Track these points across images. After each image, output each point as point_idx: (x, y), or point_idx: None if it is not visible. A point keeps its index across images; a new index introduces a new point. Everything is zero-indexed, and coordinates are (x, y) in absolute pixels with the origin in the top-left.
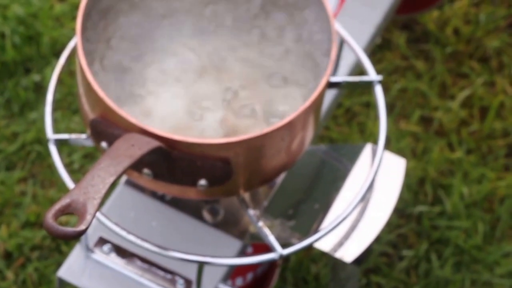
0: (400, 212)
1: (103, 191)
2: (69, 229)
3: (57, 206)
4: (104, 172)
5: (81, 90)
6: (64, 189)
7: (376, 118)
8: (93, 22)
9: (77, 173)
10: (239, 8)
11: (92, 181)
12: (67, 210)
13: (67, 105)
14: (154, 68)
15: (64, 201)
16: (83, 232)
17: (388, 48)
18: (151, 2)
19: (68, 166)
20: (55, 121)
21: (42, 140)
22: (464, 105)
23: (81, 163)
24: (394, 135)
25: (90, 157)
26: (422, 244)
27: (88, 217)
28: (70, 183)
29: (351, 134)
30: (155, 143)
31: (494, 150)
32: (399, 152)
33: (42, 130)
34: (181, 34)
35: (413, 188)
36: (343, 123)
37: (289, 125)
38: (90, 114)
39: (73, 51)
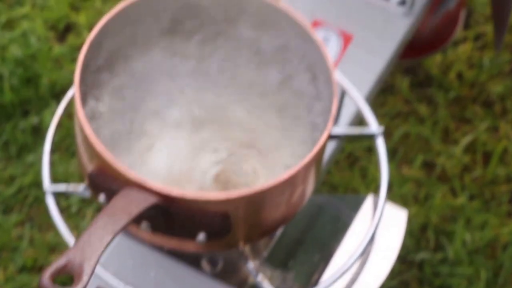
0: (402, 258)
1: (100, 251)
2: None
3: (54, 266)
4: (101, 231)
5: (79, 141)
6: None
7: (378, 163)
8: (92, 73)
9: (75, 218)
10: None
11: (89, 240)
12: (63, 271)
13: (65, 147)
14: (153, 118)
15: (60, 262)
16: None
17: (390, 92)
18: (153, 52)
19: (65, 210)
20: (53, 164)
21: (39, 184)
22: (467, 151)
23: (79, 206)
24: (396, 181)
25: (88, 201)
26: None
27: (85, 277)
28: (68, 237)
29: (353, 179)
30: (153, 199)
31: (497, 196)
32: (401, 197)
33: (39, 173)
34: (183, 83)
35: (415, 235)
36: (345, 167)
37: (290, 180)
38: (88, 166)
39: (72, 100)
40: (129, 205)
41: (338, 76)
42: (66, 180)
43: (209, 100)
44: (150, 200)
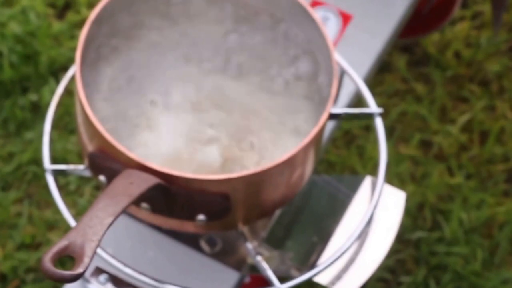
0: (399, 237)
1: (101, 233)
2: (66, 272)
3: (55, 249)
4: (102, 213)
5: (80, 121)
6: (60, 211)
7: (375, 141)
8: (93, 53)
9: (73, 195)
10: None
11: (90, 222)
12: (64, 253)
13: (63, 125)
14: (153, 100)
15: (61, 244)
16: (80, 275)
17: (388, 70)
18: (154, 33)
19: (63, 188)
20: (51, 141)
21: (38, 161)
22: (464, 130)
23: (77, 183)
24: (393, 159)
25: (87, 178)
26: (421, 270)
27: (86, 259)
28: (68, 217)
29: (350, 157)
30: (154, 180)
31: (494, 175)
32: (398, 176)
33: (38, 150)
34: (183, 66)
35: (412, 213)
36: (341, 146)
37: (290, 161)
38: (89, 146)
39: (72, 79)
40: (130, 186)
41: (338, 57)
42: (64, 157)
43: (209, 83)
44: (151, 181)
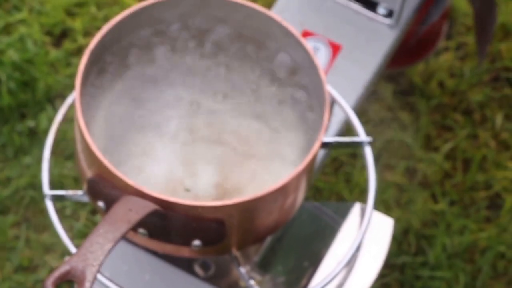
0: (384, 261)
1: (102, 258)
2: None
3: (56, 273)
4: (102, 239)
5: (79, 148)
6: (57, 235)
7: (363, 168)
8: (91, 80)
9: (69, 219)
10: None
11: (91, 248)
12: (66, 277)
13: (60, 150)
14: (150, 126)
15: (63, 268)
16: None
17: (374, 99)
18: (150, 61)
19: (60, 212)
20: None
21: (35, 185)
22: (448, 157)
23: (73, 208)
24: (379, 186)
25: (82, 203)
26: None
27: (87, 284)
28: (68, 242)
29: (338, 183)
30: (152, 207)
31: (476, 202)
32: (384, 202)
33: (36, 175)
34: (180, 92)
35: (397, 238)
36: (330, 172)
37: (283, 188)
38: (87, 172)
39: (70, 106)
40: (129, 212)
41: (328, 86)
42: (60, 182)
43: (205, 109)
44: (149, 207)
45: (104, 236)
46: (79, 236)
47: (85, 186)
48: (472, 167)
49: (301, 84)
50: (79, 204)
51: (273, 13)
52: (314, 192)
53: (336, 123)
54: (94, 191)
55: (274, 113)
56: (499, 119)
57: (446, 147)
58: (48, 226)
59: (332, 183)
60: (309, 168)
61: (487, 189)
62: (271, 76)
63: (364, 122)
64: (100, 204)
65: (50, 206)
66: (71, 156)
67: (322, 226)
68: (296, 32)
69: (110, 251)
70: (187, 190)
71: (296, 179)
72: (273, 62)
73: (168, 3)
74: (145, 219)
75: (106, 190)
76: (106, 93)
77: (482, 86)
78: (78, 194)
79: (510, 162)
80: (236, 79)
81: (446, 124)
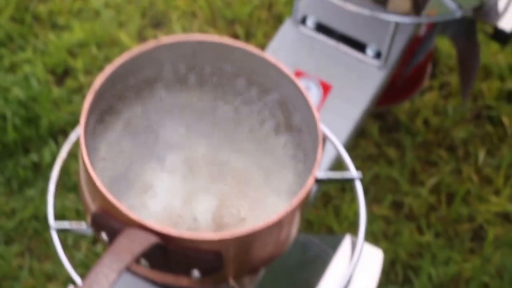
0: None
1: None
2: None
3: None
4: (107, 269)
5: (83, 182)
6: (59, 264)
7: (351, 201)
8: (94, 117)
9: (70, 249)
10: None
11: (96, 278)
12: None
13: (62, 183)
14: (150, 162)
15: None
16: None
17: (362, 136)
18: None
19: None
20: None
21: (39, 217)
22: (433, 191)
23: (74, 238)
24: (367, 218)
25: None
26: None
27: None
28: (73, 272)
29: (327, 216)
30: (154, 239)
31: (460, 234)
32: (372, 234)
33: (39, 207)
34: (179, 130)
35: (384, 269)
36: (319, 206)
37: (279, 222)
38: (91, 205)
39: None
40: (132, 244)
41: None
42: (63, 214)
43: (203, 146)
44: (151, 239)
45: (109, 267)
46: (80, 266)
47: (89, 219)
48: (456, 200)
49: (294, 122)
50: (80, 235)
51: (267, 54)
52: (305, 225)
53: (327, 159)
54: (98, 224)
55: (269, 150)
56: (481, 155)
57: (431, 181)
58: (50, 255)
59: (322, 216)
60: (303, 203)
61: (471, 222)
62: (265, 115)
63: (352, 158)
64: (104, 236)
65: (55, 237)
66: (73, 188)
67: (313, 258)
68: (290, 72)
69: (115, 281)
70: (186, 222)
71: (291, 213)
72: (268, 101)
73: (169, 46)
74: (147, 251)
75: (109, 223)
76: (108, 129)
77: (465, 123)
78: (82, 226)
79: (493, 196)
80: (232, 118)
81: (431, 160)
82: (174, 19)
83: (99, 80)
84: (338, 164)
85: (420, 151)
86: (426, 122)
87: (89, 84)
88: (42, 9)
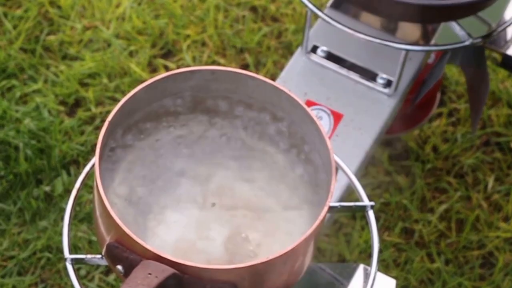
0: None
1: None
2: None
3: None
4: None
5: (98, 214)
6: None
7: (362, 229)
8: (110, 148)
9: (83, 280)
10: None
11: None
12: None
13: (74, 214)
14: (162, 193)
15: None
16: None
17: (372, 163)
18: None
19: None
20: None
21: (51, 248)
22: (443, 218)
23: (87, 269)
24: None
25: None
26: None
27: None
28: None
29: (339, 244)
30: (170, 271)
31: (470, 260)
32: (383, 262)
33: (52, 237)
34: (192, 160)
35: None
36: (331, 233)
37: (293, 251)
38: (106, 237)
39: (88, 173)
40: (148, 276)
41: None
42: (75, 244)
43: (217, 176)
44: (168, 271)
45: None
46: None
47: (104, 251)
48: (466, 227)
49: (307, 152)
50: (92, 266)
51: (278, 84)
52: (317, 253)
53: (338, 187)
54: (113, 255)
55: (282, 179)
56: (490, 181)
57: (441, 208)
58: (63, 286)
59: (333, 244)
60: (317, 232)
61: (481, 248)
62: (278, 145)
63: (362, 185)
64: (119, 267)
65: (70, 269)
66: (85, 219)
67: (325, 286)
68: (302, 102)
69: None
70: (200, 252)
71: (305, 242)
72: (280, 131)
73: (182, 76)
74: (163, 282)
75: (125, 254)
76: (122, 161)
77: (473, 150)
78: (97, 258)
79: (502, 222)
80: (244, 147)
81: (440, 187)
82: (184, 48)
83: (113, 111)
84: (349, 191)
85: (430, 178)
86: (435, 149)
87: (101, 114)
88: (52, 39)
